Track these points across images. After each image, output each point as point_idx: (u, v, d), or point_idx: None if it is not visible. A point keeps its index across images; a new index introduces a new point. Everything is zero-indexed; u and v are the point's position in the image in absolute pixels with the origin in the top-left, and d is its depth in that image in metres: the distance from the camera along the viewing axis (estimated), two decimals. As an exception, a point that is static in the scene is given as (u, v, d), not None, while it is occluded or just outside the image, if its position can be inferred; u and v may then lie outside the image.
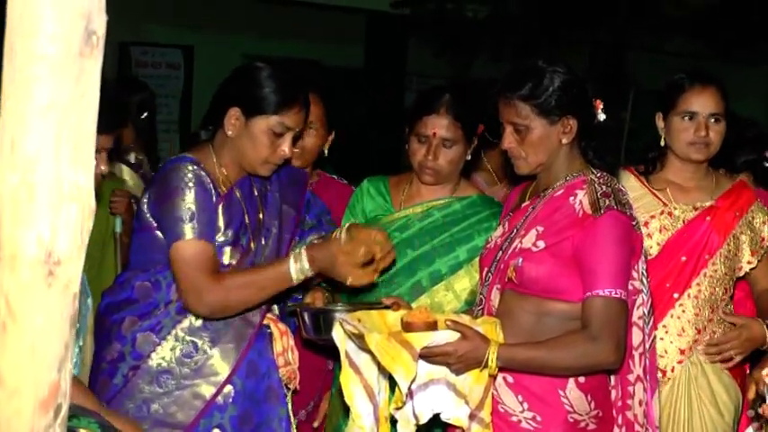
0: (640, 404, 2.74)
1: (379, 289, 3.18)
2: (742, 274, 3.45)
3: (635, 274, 2.70)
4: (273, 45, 10.06)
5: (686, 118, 3.31)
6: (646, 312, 2.75)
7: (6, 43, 1.12)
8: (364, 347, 2.57)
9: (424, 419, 2.64)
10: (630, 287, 2.66)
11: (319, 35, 10.11)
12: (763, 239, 3.44)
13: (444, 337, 2.55)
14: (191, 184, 2.82)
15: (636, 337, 2.73)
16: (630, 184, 3.35)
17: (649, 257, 3.22)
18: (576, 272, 2.62)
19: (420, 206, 3.30)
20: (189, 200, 2.81)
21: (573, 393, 2.67)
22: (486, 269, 2.83)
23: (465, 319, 2.68)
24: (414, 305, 3.04)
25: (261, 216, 3.01)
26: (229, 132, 2.88)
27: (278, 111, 2.86)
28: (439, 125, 3.17)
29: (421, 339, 2.52)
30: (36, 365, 1.16)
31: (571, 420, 2.67)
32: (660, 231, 3.36)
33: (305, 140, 3.43)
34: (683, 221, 3.36)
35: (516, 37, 9.62)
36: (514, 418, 2.69)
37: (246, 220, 2.94)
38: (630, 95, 9.66)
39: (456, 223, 3.26)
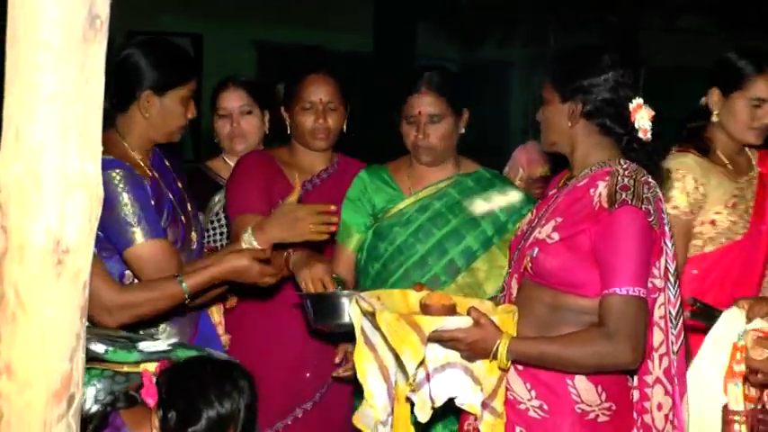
0: (659, 408, 2.61)
1: (413, 271, 3.18)
2: None
3: (655, 272, 2.57)
4: (281, 32, 10.04)
5: (754, 103, 3.25)
6: (672, 312, 2.62)
7: (9, 30, 1.10)
8: (376, 326, 2.54)
9: (439, 402, 2.60)
10: (650, 285, 2.54)
11: (328, 21, 10.09)
12: None
13: (456, 322, 2.50)
14: (127, 188, 2.80)
15: (656, 337, 2.59)
16: (705, 166, 3.31)
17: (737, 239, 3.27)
18: (593, 266, 2.52)
19: (432, 187, 3.29)
20: (129, 203, 2.79)
21: (581, 384, 2.58)
22: (510, 256, 2.79)
23: (487, 305, 2.62)
24: (453, 286, 3.03)
25: (179, 184, 3.08)
26: (147, 115, 2.91)
27: (188, 80, 2.96)
28: (423, 103, 3.20)
29: (431, 323, 2.48)
30: (47, 356, 1.15)
31: (579, 411, 2.58)
32: (733, 206, 3.30)
33: (329, 121, 3.37)
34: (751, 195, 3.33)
35: (526, 19, 9.58)
36: (522, 406, 2.62)
37: (171, 196, 2.98)
38: (642, 74, 9.56)
39: (471, 198, 3.27)
